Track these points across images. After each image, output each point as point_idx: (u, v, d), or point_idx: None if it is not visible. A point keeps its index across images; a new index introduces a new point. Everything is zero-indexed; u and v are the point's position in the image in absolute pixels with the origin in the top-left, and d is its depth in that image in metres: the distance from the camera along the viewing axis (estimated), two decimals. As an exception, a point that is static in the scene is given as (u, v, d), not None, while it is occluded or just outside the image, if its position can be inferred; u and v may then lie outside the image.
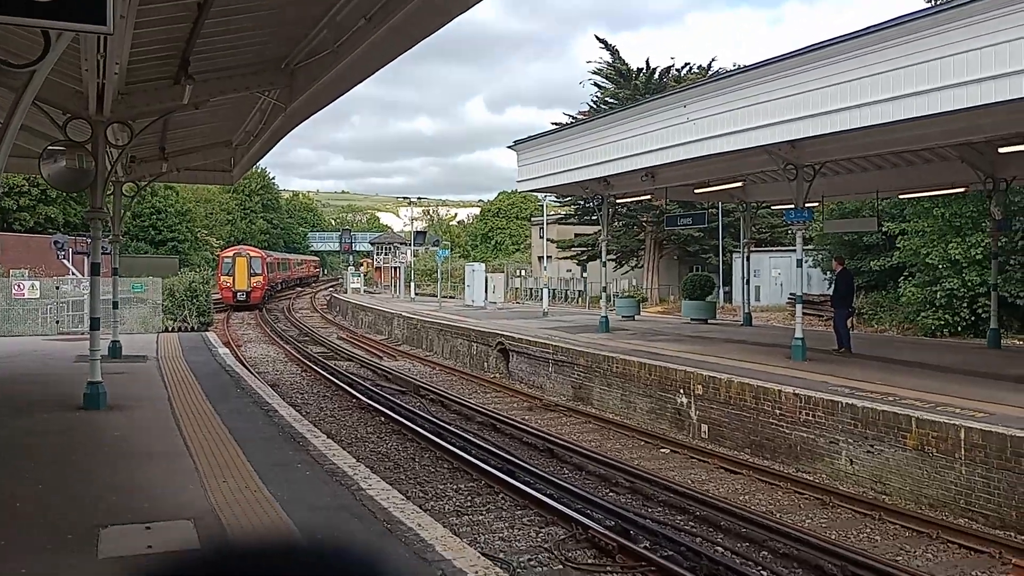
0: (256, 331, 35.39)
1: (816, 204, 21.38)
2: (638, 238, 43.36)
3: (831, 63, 12.45)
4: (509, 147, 23.58)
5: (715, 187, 21.10)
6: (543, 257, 43.73)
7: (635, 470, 11.41)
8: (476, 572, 5.45)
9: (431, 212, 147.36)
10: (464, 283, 40.02)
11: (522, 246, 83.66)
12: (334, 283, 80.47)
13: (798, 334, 15.85)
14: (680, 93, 16.92)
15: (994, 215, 18.30)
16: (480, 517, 9.41)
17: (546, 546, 8.39)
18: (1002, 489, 9.08)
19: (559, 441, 13.24)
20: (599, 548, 8.23)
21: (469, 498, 10.20)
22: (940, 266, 22.54)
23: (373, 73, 11.53)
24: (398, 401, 16.89)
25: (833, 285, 17.78)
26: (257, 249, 53.83)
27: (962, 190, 19.66)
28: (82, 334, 20.90)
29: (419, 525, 6.41)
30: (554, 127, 30.17)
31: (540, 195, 37.06)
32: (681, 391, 14.30)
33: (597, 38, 42.29)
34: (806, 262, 24.69)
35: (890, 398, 11.29)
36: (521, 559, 8.00)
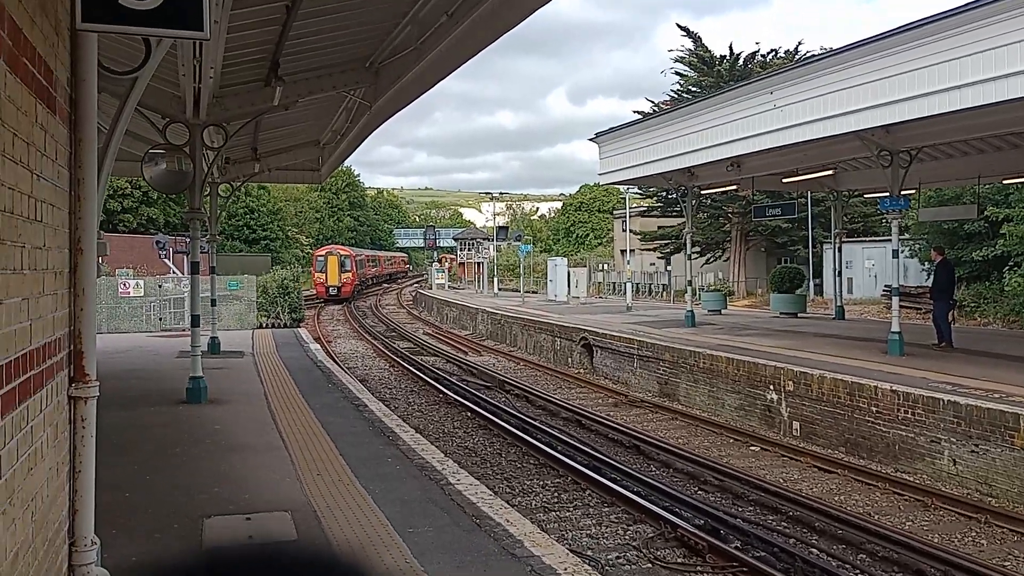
0: (345, 327, 36.27)
1: (912, 191, 20.49)
2: (723, 230, 42.44)
3: (927, 43, 11.89)
4: (591, 139, 23.43)
5: (804, 176, 20.44)
6: (626, 251, 43.36)
7: (724, 468, 11.20)
8: (565, 569, 5.44)
9: (513, 207, 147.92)
10: (547, 278, 40.02)
11: (604, 240, 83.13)
12: (419, 279, 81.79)
13: (895, 328, 15.23)
14: (766, 79, 16.46)
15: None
16: (567, 514, 9.40)
17: (634, 544, 8.32)
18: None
19: (645, 438, 13.10)
20: (688, 547, 8.10)
21: (556, 494, 10.19)
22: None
23: (455, 69, 11.61)
24: (483, 396, 17.02)
25: (932, 276, 16.98)
26: (347, 248, 57.58)
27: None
28: (183, 330, 21.85)
29: (507, 521, 6.44)
30: (636, 117, 29.82)
31: (622, 188, 36.72)
32: (771, 387, 13.94)
33: (679, 26, 41.59)
34: (902, 252, 23.66)
35: (995, 395, 10.74)
36: (609, 557, 7.95)
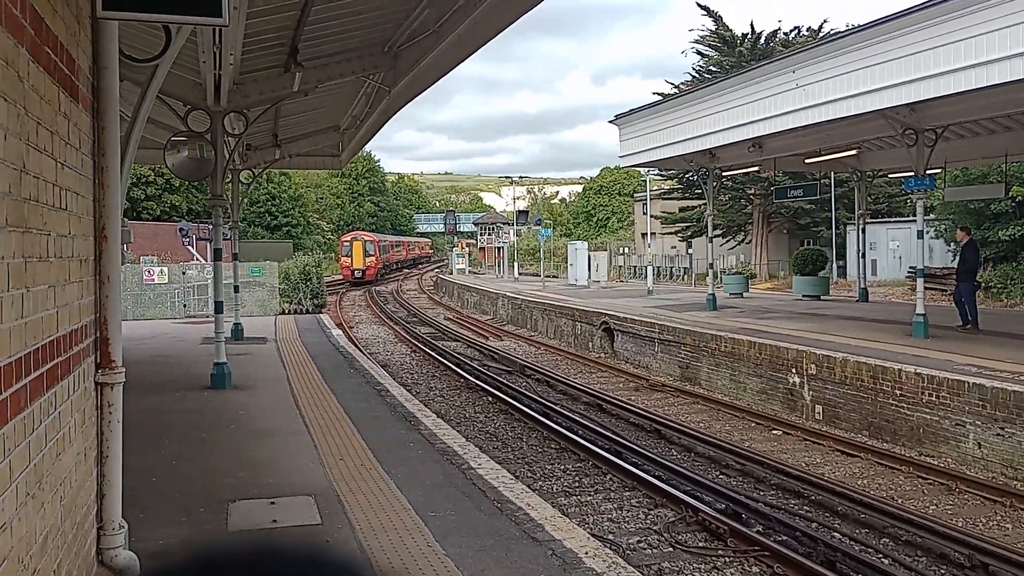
0: (367, 312, 36.45)
1: (938, 171, 20.21)
2: (745, 212, 42.10)
3: (953, 18, 11.67)
4: (611, 121, 23.25)
5: (827, 156, 20.19)
6: (647, 234, 43.14)
7: (746, 452, 11.15)
8: (587, 552, 5.46)
9: (533, 191, 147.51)
10: (567, 262, 39.91)
11: (625, 223, 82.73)
12: (441, 263, 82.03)
13: (919, 310, 15.06)
14: (788, 58, 16.25)
15: None
16: (588, 498, 9.42)
17: (655, 528, 8.32)
18: None
19: (666, 422, 13.08)
20: (710, 531, 8.09)
21: (577, 479, 10.21)
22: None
23: (474, 52, 11.59)
24: (504, 381, 17.06)
25: (959, 257, 16.74)
26: (371, 234, 60.91)
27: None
28: (207, 317, 22.08)
29: (528, 505, 6.47)
30: (656, 98, 29.57)
31: (643, 170, 36.49)
32: (793, 371, 13.85)
33: (699, 4, 40.93)
34: (927, 233, 23.34)
35: (1022, 377, 10.59)
36: (630, 541, 7.96)
